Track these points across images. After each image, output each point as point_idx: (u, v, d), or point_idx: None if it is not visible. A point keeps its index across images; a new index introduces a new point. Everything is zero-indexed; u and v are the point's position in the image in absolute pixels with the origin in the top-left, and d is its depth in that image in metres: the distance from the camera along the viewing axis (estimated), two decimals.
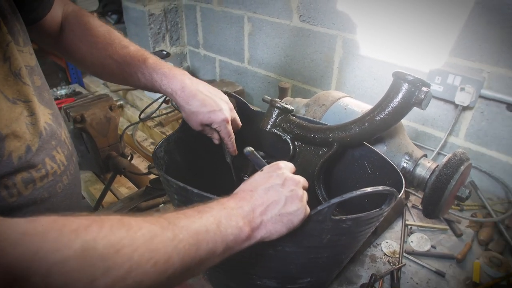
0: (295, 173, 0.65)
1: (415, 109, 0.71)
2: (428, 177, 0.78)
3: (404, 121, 1.24)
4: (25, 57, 0.59)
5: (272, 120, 0.84)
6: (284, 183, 0.55)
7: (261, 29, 1.54)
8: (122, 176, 1.21)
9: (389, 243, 0.94)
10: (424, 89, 0.66)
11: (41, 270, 0.33)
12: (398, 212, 1.02)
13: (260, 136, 0.90)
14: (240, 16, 1.60)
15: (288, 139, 0.83)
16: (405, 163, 0.81)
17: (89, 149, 1.16)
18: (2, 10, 0.56)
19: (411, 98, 0.68)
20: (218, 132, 0.77)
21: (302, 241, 0.61)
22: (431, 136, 1.19)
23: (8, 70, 0.53)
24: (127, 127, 1.41)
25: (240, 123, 0.82)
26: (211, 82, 1.78)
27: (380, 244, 0.94)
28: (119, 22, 1.99)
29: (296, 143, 0.83)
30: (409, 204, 1.06)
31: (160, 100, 1.53)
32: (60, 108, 1.13)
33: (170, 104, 1.57)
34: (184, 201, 0.69)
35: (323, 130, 0.77)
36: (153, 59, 0.77)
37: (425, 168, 0.80)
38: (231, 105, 0.79)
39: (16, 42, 0.57)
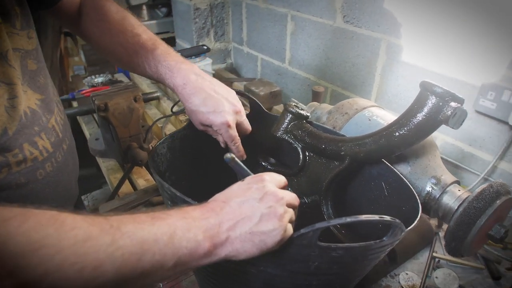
0: (286, 187, 0.57)
1: (462, 126, 0.60)
2: (456, 208, 0.67)
3: (448, 139, 1.10)
4: (20, 40, 0.59)
5: (284, 125, 0.77)
6: (262, 198, 0.48)
7: (304, 29, 1.47)
8: (144, 167, 1.21)
9: (409, 275, 0.83)
10: (453, 104, 0.56)
11: None
12: (426, 241, 0.90)
13: (273, 141, 0.84)
14: (283, 14, 1.54)
15: (298, 148, 0.75)
16: (430, 188, 0.70)
17: (113, 138, 1.17)
18: None
19: (438, 114, 0.58)
20: (221, 134, 0.72)
21: (286, 265, 0.54)
22: (479, 159, 1.04)
23: None
24: (158, 119, 1.40)
25: (249, 128, 0.76)
26: (251, 80, 1.73)
27: (399, 275, 0.84)
28: (169, 15, 2.01)
29: (307, 153, 0.75)
30: (441, 234, 0.94)
31: None
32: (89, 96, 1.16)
33: None
34: (173, 205, 0.65)
35: (335, 141, 0.69)
36: (162, 50, 0.74)
37: (454, 197, 0.68)
38: (239, 108, 0.72)
39: (12, 25, 0.57)
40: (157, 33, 2.09)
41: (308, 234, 0.49)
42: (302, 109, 0.77)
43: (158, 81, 0.75)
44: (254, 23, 1.73)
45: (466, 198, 0.66)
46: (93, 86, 1.47)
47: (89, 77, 1.48)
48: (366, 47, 1.24)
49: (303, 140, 0.74)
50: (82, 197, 1.25)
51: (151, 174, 1.20)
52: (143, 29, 0.77)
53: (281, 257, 0.53)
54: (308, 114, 0.77)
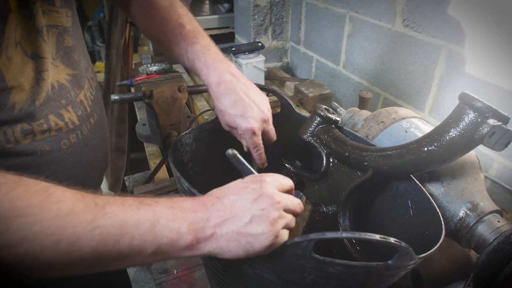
0: (297, 194, 0.55)
1: None
2: (490, 241, 0.59)
3: (507, 163, 0.98)
4: (59, 17, 0.62)
5: (311, 128, 0.74)
6: (257, 199, 0.46)
7: (361, 31, 1.40)
8: None
9: None
10: (491, 122, 0.49)
11: None
12: (462, 273, 0.81)
13: (300, 143, 0.81)
14: (342, 15, 1.48)
15: (323, 153, 0.72)
16: (464, 214, 0.63)
17: (157, 124, 1.22)
18: None
19: (474, 132, 0.51)
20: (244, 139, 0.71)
21: (281, 272, 0.51)
22: None
23: (32, 26, 0.56)
24: (204, 111, 1.44)
25: (274, 138, 0.73)
26: (303, 81, 1.70)
27: None
28: (230, 11, 2.04)
29: (331, 160, 0.71)
30: None
31: None
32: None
33: None
34: (185, 196, 0.65)
35: (360, 150, 0.64)
36: (202, 45, 0.74)
37: (491, 228, 0.60)
38: (267, 116, 0.70)
39: (51, 3, 0.60)
40: (218, 28, 2.14)
41: (302, 243, 0.46)
42: (332, 113, 0.73)
43: (195, 75, 0.76)
44: (312, 23, 1.69)
45: (505, 231, 0.58)
46: (148, 74, 1.54)
47: (144, 66, 1.55)
48: (425, 54, 1.15)
49: (329, 145, 0.70)
50: (125, 178, 1.31)
51: None
52: (188, 19, 0.77)
53: (276, 264, 0.50)
54: (338, 119, 0.73)
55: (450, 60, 1.07)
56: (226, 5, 2.08)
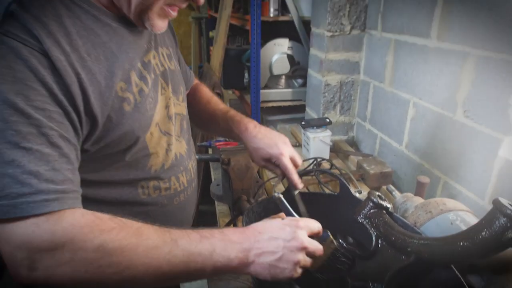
0: (322, 238, 0.70)
1: None
2: None
3: None
4: (181, 108, 0.88)
5: (364, 211, 0.85)
6: (290, 241, 0.62)
7: (424, 116, 1.50)
8: None
9: None
10: None
11: (71, 248, 0.52)
12: None
13: (354, 222, 0.91)
14: (406, 100, 1.59)
15: (373, 235, 0.81)
16: None
17: (230, 187, 1.40)
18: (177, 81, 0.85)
19: (502, 235, 0.59)
20: (278, 166, 0.91)
21: None
22: None
23: (166, 114, 0.80)
24: (271, 178, 1.60)
25: (299, 163, 0.94)
26: (367, 156, 1.80)
27: None
28: (303, 86, 2.26)
29: (380, 241, 0.81)
30: None
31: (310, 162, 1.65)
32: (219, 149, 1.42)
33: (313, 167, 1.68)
34: None
35: (405, 236, 0.74)
36: (232, 113, 1.01)
37: None
38: (290, 149, 0.93)
39: (177, 98, 0.85)
40: (291, 100, 2.37)
41: None
42: (384, 200, 0.84)
43: (226, 133, 1.01)
44: (378, 103, 1.82)
45: None
46: (225, 140, 1.76)
47: None
48: (484, 145, 1.21)
49: (378, 228, 0.80)
50: None
51: None
52: (216, 102, 1.09)
53: None
54: (389, 206, 0.83)
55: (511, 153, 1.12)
56: (300, 81, 2.32)
